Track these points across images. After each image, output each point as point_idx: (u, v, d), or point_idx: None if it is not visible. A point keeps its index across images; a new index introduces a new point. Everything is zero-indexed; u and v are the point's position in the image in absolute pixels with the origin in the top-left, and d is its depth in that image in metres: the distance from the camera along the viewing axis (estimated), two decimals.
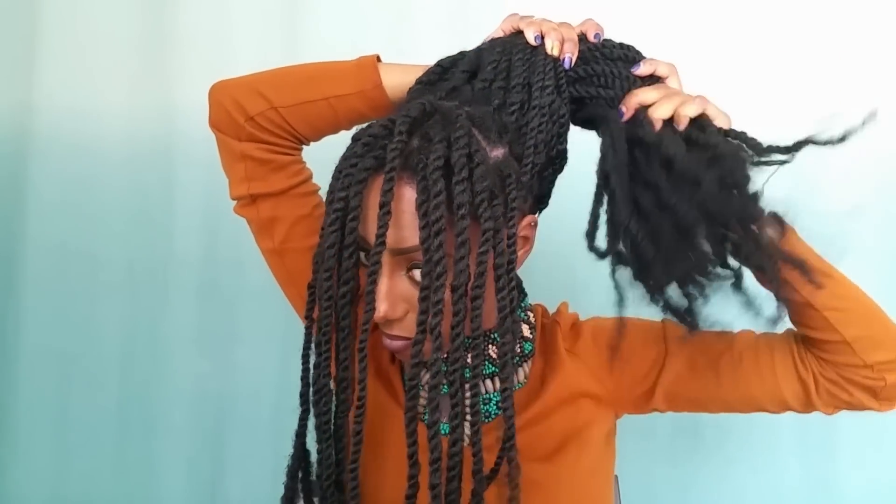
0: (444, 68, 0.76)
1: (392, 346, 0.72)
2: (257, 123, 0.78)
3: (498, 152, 0.69)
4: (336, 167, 0.68)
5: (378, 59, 0.79)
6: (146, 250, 1.32)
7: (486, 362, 0.81)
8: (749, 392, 0.79)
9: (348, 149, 0.68)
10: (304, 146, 0.82)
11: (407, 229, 0.66)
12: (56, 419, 1.31)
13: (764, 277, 0.71)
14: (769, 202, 0.69)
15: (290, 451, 1.35)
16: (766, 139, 0.71)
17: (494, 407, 0.81)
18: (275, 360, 1.32)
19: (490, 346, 0.80)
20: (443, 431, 0.81)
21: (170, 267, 1.32)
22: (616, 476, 1.11)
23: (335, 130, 0.81)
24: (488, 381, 0.81)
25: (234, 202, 0.83)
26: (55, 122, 1.31)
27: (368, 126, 0.68)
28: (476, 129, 0.68)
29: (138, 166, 1.31)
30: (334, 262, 0.67)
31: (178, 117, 1.31)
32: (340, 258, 0.67)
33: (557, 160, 0.76)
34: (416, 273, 0.67)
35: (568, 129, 0.76)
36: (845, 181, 1.35)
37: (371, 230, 0.66)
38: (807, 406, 0.78)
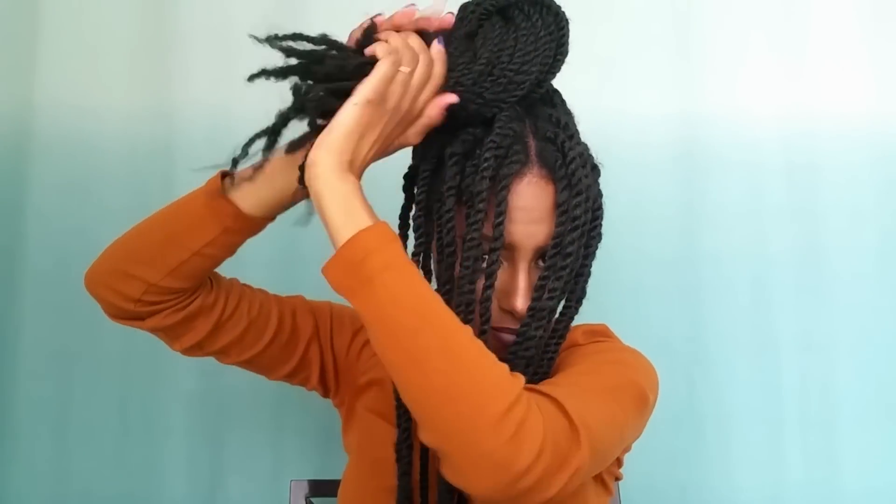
0: None
1: (510, 339, 0.73)
2: (146, 302, 0.76)
3: None
4: (451, 184, 0.69)
5: (223, 177, 0.75)
6: None
7: None
8: None
9: (482, 160, 0.68)
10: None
11: (553, 225, 0.70)
12: (56, 419, 1.30)
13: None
14: None
15: (290, 451, 1.36)
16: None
17: None
18: None
19: None
20: None
21: None
22: None
23: (220, 264, 0.79)
24: None
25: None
26: (56, 122, 1.31)
27: (475, 136, 0.70)
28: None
29: (138, 166, 1.31)
30: (475, 266, 0.68)
31: (178, 117, 1.31)
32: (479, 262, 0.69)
33: None
34: (541, 262, 0.72)
35: None
36: (841, 180, 1.36)
37: (514, 230, 0.69)
38: None
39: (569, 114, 0.77)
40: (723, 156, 1.34)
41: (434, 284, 0.74)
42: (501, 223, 0.67)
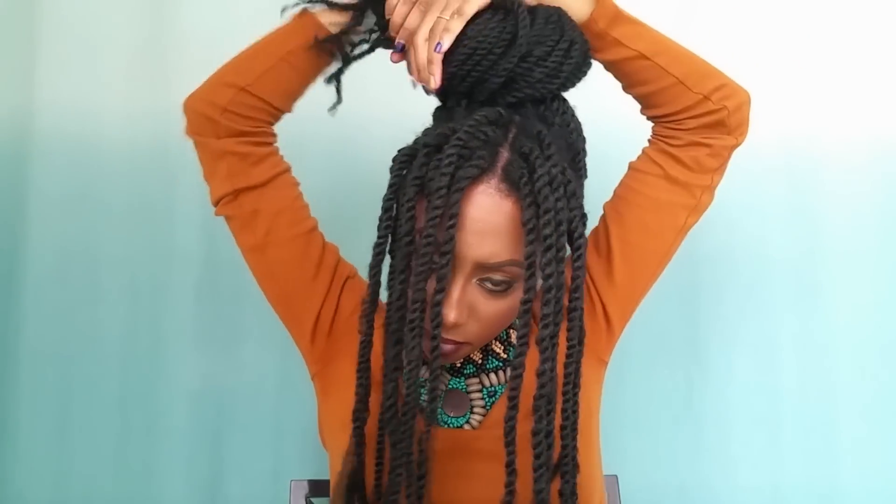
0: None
1: (443, 349, 0.72)
2: (232, 112, 0.81)
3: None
4: (417, 174, 0.68)
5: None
6: (146, 250, 1.32)
7: (491, 357, 0.84)
8: (645, 219, 0.84)
9: (445, 156, 0.66)
10: (275, 140, 0.85)
11: (501, 243, 0.68)
12: (56, 419, 1.31)
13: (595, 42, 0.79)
14: None
15: (290, 451, 1.36)
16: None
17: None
18: (275, 360, 1.32)
19: (495, 342, 0.84)
20: (450, 424, 0.82)
21: (170, 267, 1.32)
22: (616, 476, 1.12)
23: (305, 86, 0.85)
24: (492, 375, 0.84)
25: (216, 206, 0.85)
26: (56, 123, 1.31)
27: (455, 132, 0.67)
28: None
29: (138, 166, 1.31)
30: (430, 264, 0.66)
31: (178, 117, 1.30)
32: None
33: None
34: (488, 284, 0.70)
35: None
36: (842, 180, 1.36)
37: (460, 239, 0.67)
38: (689, 190, 0.83)
39: (567, 139, 0.76)
40: None
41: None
42: (453, 226, 0.65)
